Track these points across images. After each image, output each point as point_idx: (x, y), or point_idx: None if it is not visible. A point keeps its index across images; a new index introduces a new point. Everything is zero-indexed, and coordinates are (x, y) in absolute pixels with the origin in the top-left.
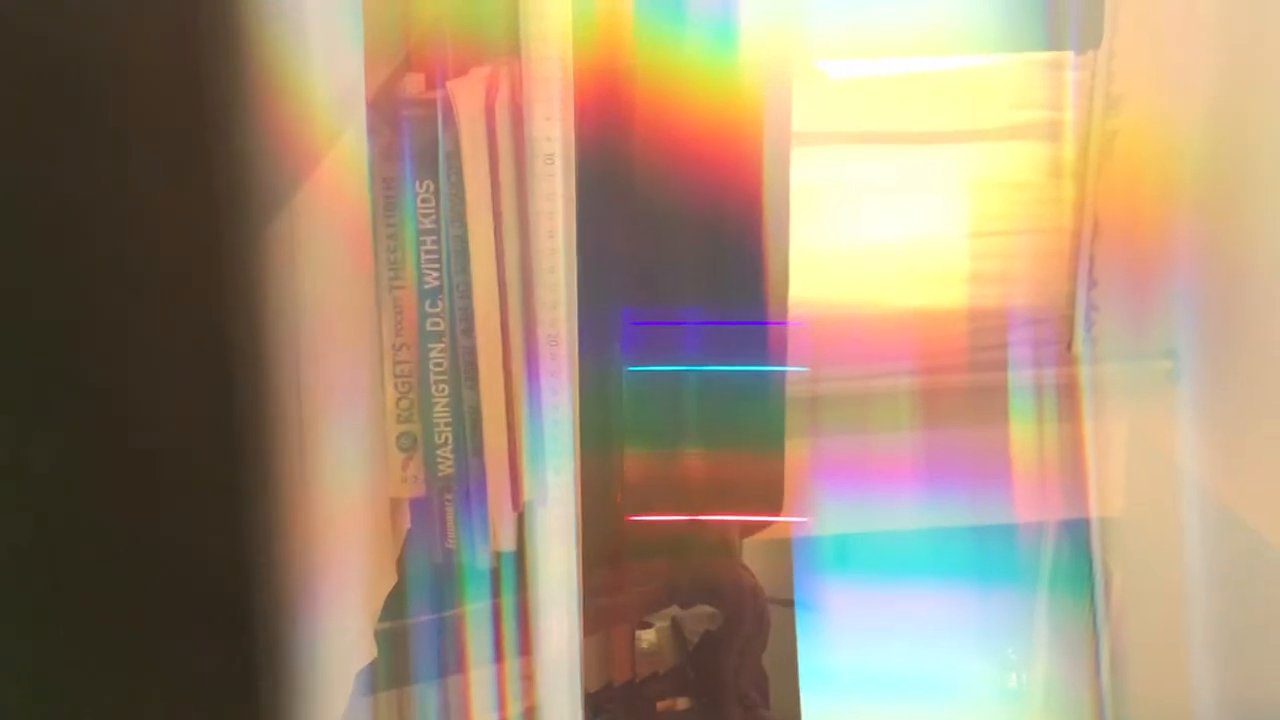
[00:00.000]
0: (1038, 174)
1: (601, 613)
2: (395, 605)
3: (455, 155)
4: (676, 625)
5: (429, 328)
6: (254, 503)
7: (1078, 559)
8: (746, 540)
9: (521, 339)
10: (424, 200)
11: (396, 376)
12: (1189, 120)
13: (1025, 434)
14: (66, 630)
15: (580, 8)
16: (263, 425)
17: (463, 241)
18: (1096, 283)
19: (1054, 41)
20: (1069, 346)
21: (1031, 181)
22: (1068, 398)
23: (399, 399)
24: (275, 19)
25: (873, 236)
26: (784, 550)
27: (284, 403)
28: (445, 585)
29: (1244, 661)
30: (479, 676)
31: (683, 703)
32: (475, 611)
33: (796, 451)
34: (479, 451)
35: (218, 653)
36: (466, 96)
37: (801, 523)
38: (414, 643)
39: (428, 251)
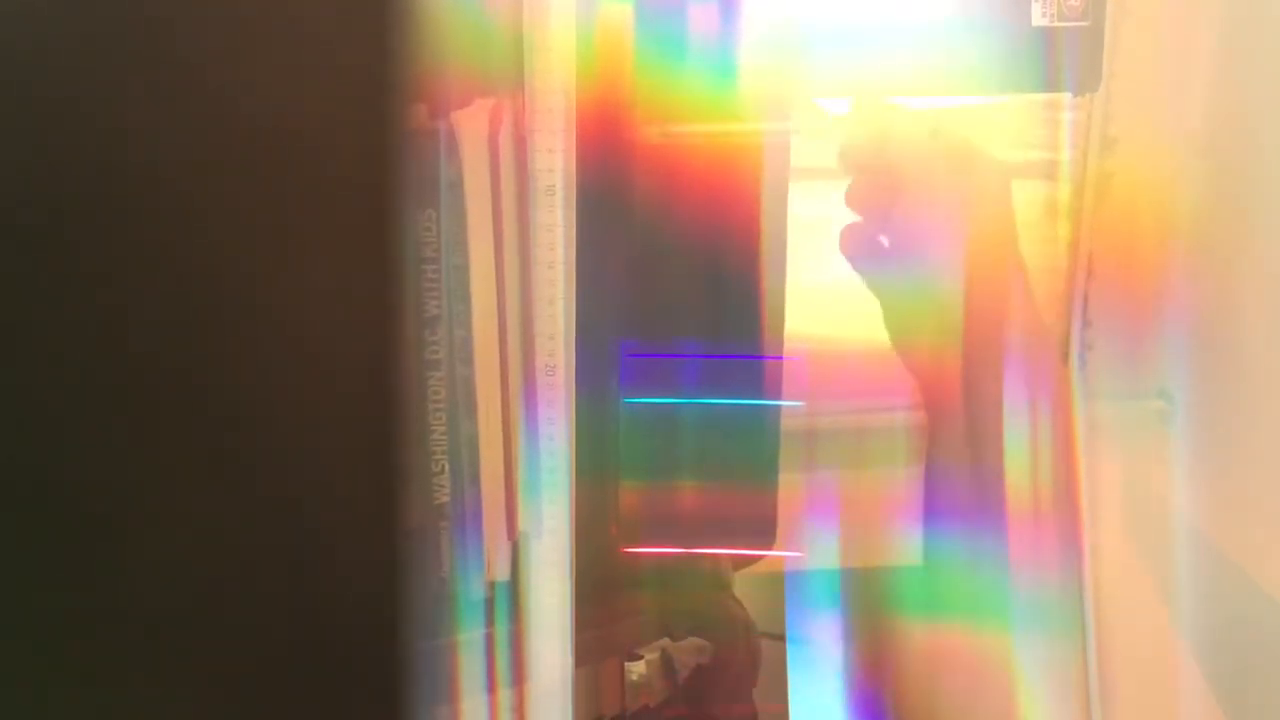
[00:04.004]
0: (1033, 213)
1: (593, 644)
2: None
3: (458, 185)
4: (667, 658)
5: (428, 356)
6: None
7: (1069, 599)
8: (739, 574)
9: (519, 369)
10: (425, 229)
11: None
12: (1184, 163)
13: (1018, 472)
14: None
15: (583, 43)
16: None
17: (463, 271)
18: (1090, 323)
19: (1051, 83)
20: None
21: (1026, 220)
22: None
23: None
24: None
25: None
26: (776, 584)
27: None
28: (439, 614)
29: (1236, 707)
30: (470, 706)
31: None
32: (468, 641)
33: (791, 486)
34: (475, 480)
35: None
36: (470, 127)
37: (794, 557)
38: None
39: (428, 280)
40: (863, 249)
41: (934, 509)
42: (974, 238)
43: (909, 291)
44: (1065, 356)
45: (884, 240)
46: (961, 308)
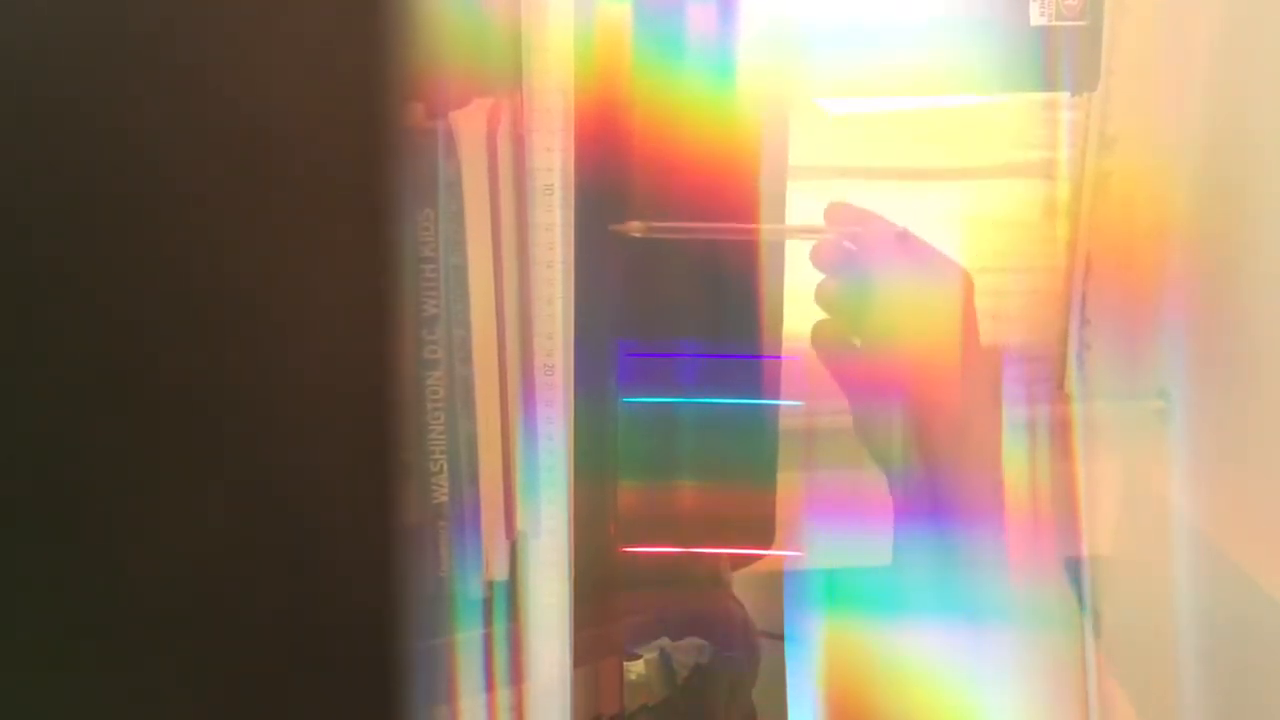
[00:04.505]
0: (1032, 212)
1: (591, 644)
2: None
3: (456, 184)
4: (665, 657)
5: (426, 356)
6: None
7: (1068, 598)
8: (738, 573)
9: (518, 368)
10: (423, 228)
11: None
12: (1182, 161)
13: (1016, 472)
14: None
15: (582, 42)
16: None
17: (461, 270)
18: (1089, 321)
19: (1050, 83)
20: (1061, 385)
21: (1025, 220)
22: (1059, 436)
23: None
24: None
25: None
26: (775, 584)
27: None
28: (437, 613)
29: (1236, 704)
30: (469, 706)
31: None
32: (466, 640)
33: (789, 485)
34: (474, 480)
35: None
36: (469, 127)
37: (793, 556)
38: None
39: (426, 280)
40: (835, 348)
41: (916, 512)
42: (941, 338)
43: (878, 388)
44: (1063, 356)
45: (855, 340)
46: (929, 405)
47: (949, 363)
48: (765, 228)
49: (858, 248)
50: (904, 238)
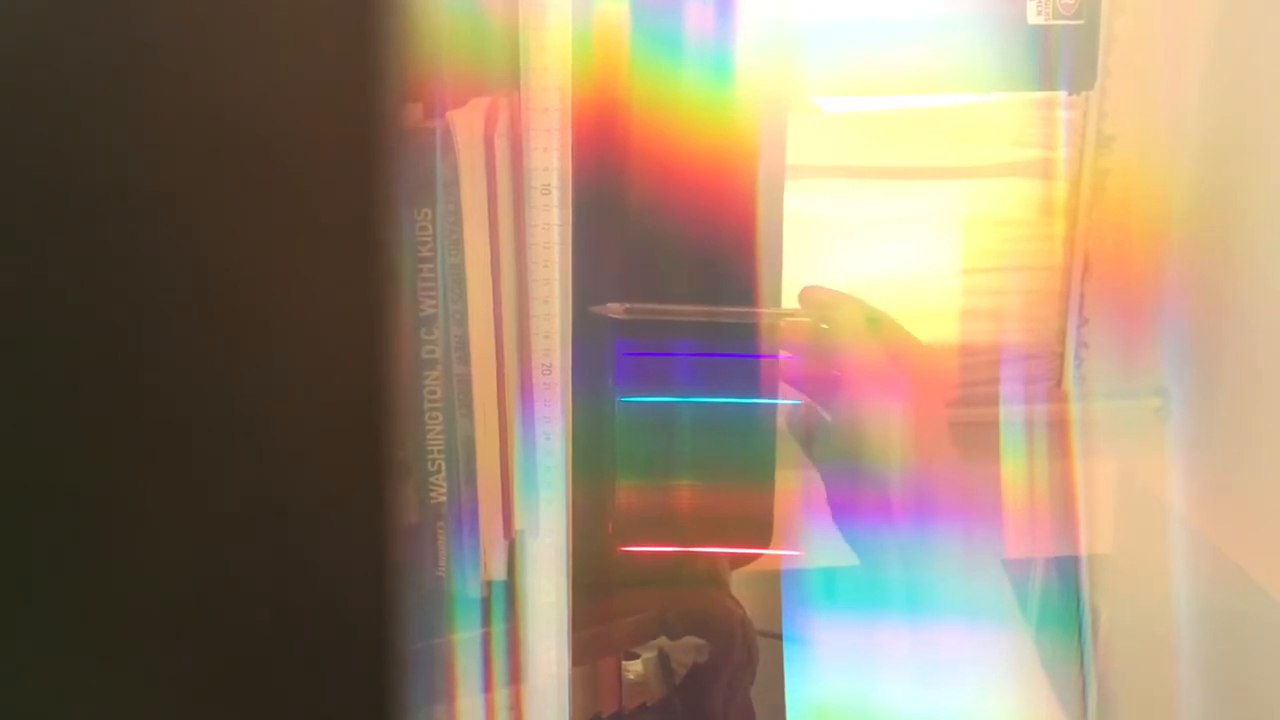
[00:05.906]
0: (1030, 211)
1: (590, 643)
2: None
3: (453, 184)
4: (664, 657)
5: (424, 355)
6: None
7: (1066, 596)
8: (736, 572)
9: (516, 368)
10: (421, 228)
11: None
12: (1179, 160)
13: (1015, 470)
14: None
15: (579, 42)
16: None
17: (459, 270)
18: (1087, 320)
19: (1047, 82)
20: (1059, 383)
21: (1023, 219)
22: (1057, 435)
23: None
24: None
25: (865, 271)
26: (773, 583)
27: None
28: (435, 613)
29: (1232, 701)
30: (467, 706)
31: None
32: (465, 640)
33: (787, 484)
34: (471, 480)
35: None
36: (466, 126)
37: (791, 556)
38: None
39: (424, 279)
40: (806, 425)
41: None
42: (910, 417)
43: (850, 464)
44: (1061, 355)
45: (826, 416)
46: (899, 479)
47: (919, 446)
48: (740, 310)
49: (831, 329)
50: (876, 320)
